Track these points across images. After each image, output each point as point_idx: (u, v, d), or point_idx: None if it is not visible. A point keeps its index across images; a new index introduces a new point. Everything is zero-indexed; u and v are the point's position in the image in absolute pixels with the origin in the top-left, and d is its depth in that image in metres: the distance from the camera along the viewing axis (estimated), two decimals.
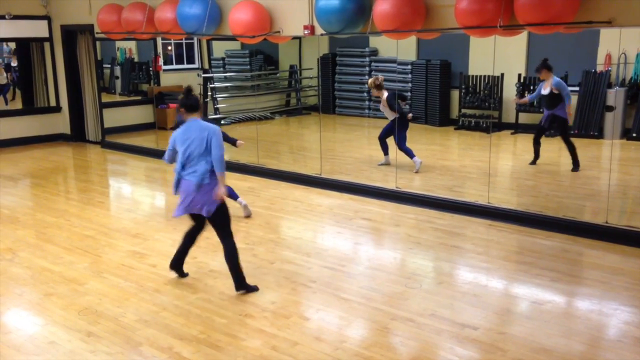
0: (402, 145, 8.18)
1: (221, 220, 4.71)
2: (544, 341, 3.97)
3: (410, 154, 8.21)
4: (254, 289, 4.79)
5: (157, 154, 10.20)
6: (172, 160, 4.78)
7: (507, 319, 4.37)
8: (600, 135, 9.84)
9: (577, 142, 9.93)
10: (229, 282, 4.96)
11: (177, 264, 5.06)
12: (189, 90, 4.81)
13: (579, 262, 5.56)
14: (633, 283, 4.90)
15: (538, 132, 8.44)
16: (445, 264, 5.48)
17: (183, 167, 4.64)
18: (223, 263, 5.36)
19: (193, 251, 5.69)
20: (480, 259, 5.49)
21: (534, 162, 8.47)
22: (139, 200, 7.97)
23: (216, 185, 4.59)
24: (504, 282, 5.05)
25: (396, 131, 8.15)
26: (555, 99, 8.02)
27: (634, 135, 9.60)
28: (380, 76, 8.54)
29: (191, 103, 4.69)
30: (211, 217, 4.65)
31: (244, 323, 4.27)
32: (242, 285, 4.74)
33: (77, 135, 11.55)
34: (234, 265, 4.73)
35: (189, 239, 5.01)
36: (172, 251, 5.72)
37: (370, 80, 8.43)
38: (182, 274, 5.09)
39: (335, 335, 4.10)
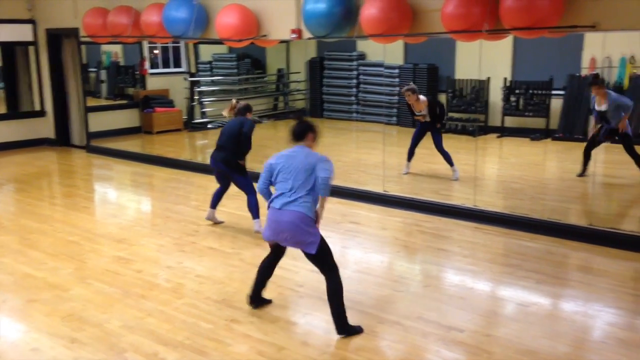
0: (442, 148, 8.20)
1: (322, 255, 4.12)
2: (529, 343, 3.98)
3: (450, 159, 8.16)
4: (357, 330, 4.15)
5: (143, 158, 10.18)
6: (269, 194, 4.23)
7: (493, 321, 4.38)
8: (585, 138, 9.90)
9: (562, 145, 10.08)
10: (215, 287, 4.93)
11: (256, 297, 4.54)
12: (299, 116, 4.39)
13: (564, 264, 5.59)
14: (617, 285, 4.94)
15: (591, 144, 7.87)
16: (432, 267, 5.49)
17: (281, 193, 4.13)
18: (209, 268, 5.37)
19: (179, 256, 5.69)
20: (466, 261, 5.50)
21: (582, 174, 7.89)
22: (125, 205, 7.90)
23: (313, 225, 4.11)
24: (490, 285, 5.07)
25: (435, 135, 8.22)
26: (616, 113, 7.56)
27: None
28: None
29: (297, 131, 4.25)
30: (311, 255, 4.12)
31: (230, 328, 4.25)
32: (344, 328, 4.09)
33: (61, 139, 11.45)
34: (336, 304, 4.08)
35: (267, 270, 4.50)
36: (158, 256, 5.72)
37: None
38: (266, 301, 4.61)
39: (322, 340, 4.09)
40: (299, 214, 4.04)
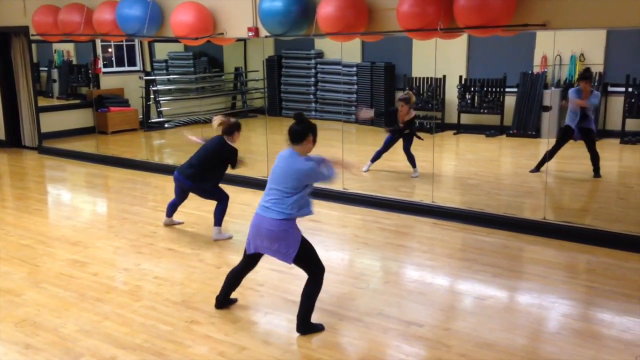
0: (409, 151, 8.21)
1: (305, 258, 4.04)
2: (486, 335, 4.07)
3: (414, 162, 8.21)
4: (319, 328, 4.13)
5: (97, 159, 9.95)
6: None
7: (451, 315, 4.45)
8: (537, 134, 10.19)
9: (516, 141, 10.33)
10: (174, 289, 4.87)
11: (223, 301, 4.47)
12: (298, 115, 4.05)
13: (519, 257, 5.73)
14: (570, 277, 5.09)
15: (560, 145, 7.79)
16: (392, 263, 5.54)
17: (264, 199, 4.02)
18: (168, 269, 5.29)
19: (136, 258, 5.59)
20: (425, 257, 5.58)
21: (537, 170, 7.93)
22: (79, 207, 7.71)
23: (290, 229, 3.96)
24: (448, 279, 5.15)
25: (407, 140, 8.22)
26: (588, 112, 7.55)
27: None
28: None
29: (296, 133, 3.97)
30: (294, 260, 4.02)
31: (190, 330, 4.19)
32: (306, 327, 4.07)
33: (12, 140, 11.10)
34: (307, 304, 4.06)
35: (235, 281, 4.39)
36: (114, 258, 5.60)
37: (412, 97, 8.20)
38: (232, 301, 4.53)
39: (284, 338, 4.08)
40: (276, 221, 3.96)
